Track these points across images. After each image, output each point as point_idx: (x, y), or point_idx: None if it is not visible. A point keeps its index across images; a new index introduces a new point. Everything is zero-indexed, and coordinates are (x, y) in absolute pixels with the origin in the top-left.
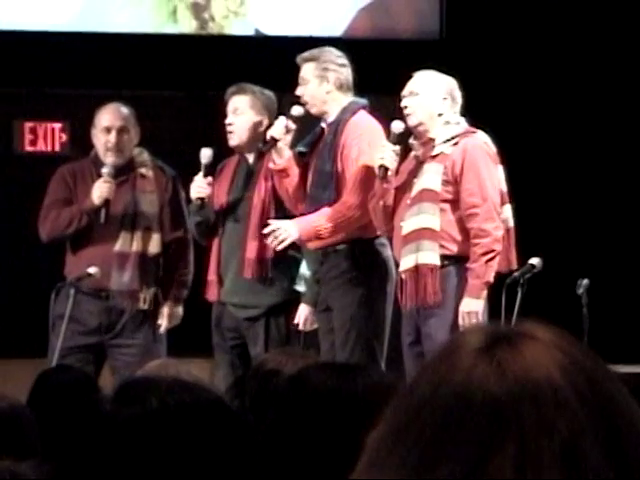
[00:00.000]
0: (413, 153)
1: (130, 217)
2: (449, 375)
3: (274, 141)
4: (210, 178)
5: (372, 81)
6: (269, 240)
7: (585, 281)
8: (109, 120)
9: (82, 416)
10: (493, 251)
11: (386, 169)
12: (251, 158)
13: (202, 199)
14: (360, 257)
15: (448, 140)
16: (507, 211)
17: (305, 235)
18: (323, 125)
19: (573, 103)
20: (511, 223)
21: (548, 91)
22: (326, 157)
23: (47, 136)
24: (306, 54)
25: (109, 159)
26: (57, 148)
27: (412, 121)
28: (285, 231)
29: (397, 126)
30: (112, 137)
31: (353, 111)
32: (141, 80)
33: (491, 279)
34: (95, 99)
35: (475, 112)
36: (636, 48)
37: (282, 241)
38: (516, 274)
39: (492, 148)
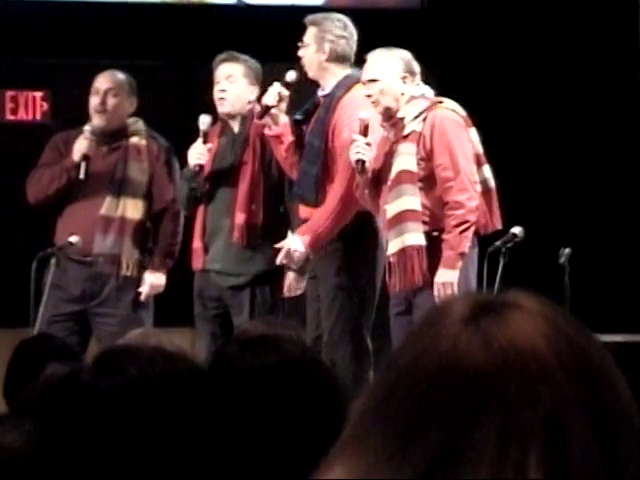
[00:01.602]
0: (385, 134)
1: (117, 183)
2: (434, 344)
3: (267, 108)
4: (210, 145)
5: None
6: (280, 261)
7: (567, 250)
8: (99, 82)
9: (62, 385)
10: (467, 222)
11: (363, 162)
12: (236, 126)
13: (201, 166)
14: (347, 227)
15: (416, 117)
16: (486, 172)
17: (311, 244)
18: (320, 94)
19: (555, 73)
20: (492, 183)
21: (531, 58)
22: (317, 132)
23: (28, 105)
24: (311, 17)
25: (94, 121)
26: (38, 117)
27: (379, 108)
28: (294, 251)
29: (363, 116)
30: (97, 98)
31: (347, 86)
32: (122, 49)
33: (466, 250)
34: (76, 68)
35: (456, 81)
36: (609, 18)
37: (295, 260)
38: (498, 243)
39: (461, 113)
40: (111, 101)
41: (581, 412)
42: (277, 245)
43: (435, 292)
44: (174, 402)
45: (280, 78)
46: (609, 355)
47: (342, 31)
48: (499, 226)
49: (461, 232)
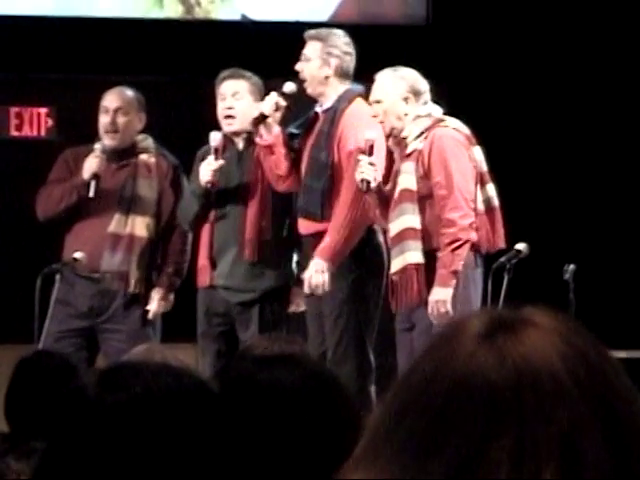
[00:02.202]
0: (394, 154)
1: (127, 200)
2: (449, 361)
3: (263, 117)
4: (222, 161)
5: (358, 67)
6: (310, 288)
7: (572, 266)
8: (108, 100)
9: (63, 402)
10: (459, 240)
11: (368, 182)
12: (240, 143)
13: (213, 183)
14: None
15: (418, 136)
16: (490, 190)
17: (331, 260)
18: (317, 110)
19: (561, 88)
20: (495, 202)
21: (536, 75)
22: (322, 146)
23: (33, 121)
24: (314, 32)
25: (105, 141)
26: (43, 133)
27: (385, 128)
28: (320, 273)
29: (369, 136)
30: (108, 117)
31: (349, 100)
32: (126, 65)
33: (459, 267)
34: (81, 84)
35: (462, 97)
36: (614, 34)
37: (322, 283)
38: (502, 259)
39: (464, 132)
40: (121, 120)
41: (596, 431)
42: (306, 288)
43: (429, 310)
44: (179, 419)
45: (278, 88)
46: (624, 371)
47: (348, 47)
48: (502, 245)
49: (453, 250)
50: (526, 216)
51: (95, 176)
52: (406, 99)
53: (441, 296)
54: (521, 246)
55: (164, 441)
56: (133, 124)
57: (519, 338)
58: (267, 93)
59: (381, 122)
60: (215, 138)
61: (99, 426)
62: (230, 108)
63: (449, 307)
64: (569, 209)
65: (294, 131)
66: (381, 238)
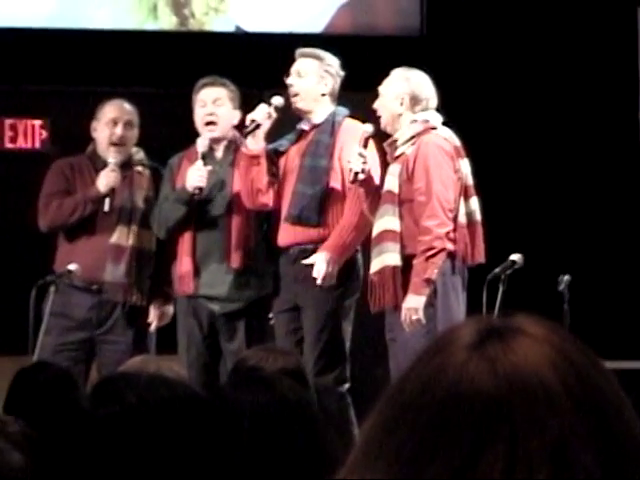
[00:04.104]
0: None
1: (127, 212)
2: (440, 371)
3: (257, 125)
4: (210, 167)
5: (352, 78)
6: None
7: (566, 277)
8: (116, 112)
9: (61, 413)
10: (433, 248)
11: (356, 173)
12: (219, 150)
13: (201, 189)
14: None
15: (408, 140)
16: (473, 204)
17: (337, 254)
18: (304, 127)
19: (556, 100)
20: (477, 217)
21: (530, 86)
22: (321, 154)
23: (27, 133)
24: (310, 50)
25: (112, 153)
26: (37, 145)
27: (381, 123)
28: (328, 264)
29: (366, 129)
30: (119, 129)
31: (343, 115)
32: (121, 77)
33: (432, 276)
34: (75, 96)
35: (455, 108)
36: (606, 44)
37: (330, 274)
38: (497, 270)
39: (454, 143)
40: (129, 134)
41: (587, 440)
42: (306, 261)
43: (402, 317)
44: (173, 429)
45: (266, 100)
46: (616, 380)
47: (340, 70)
48: (481, 260)
49: (427, 258)
50: (521, 227)
51: (112, 191)
52: (401, 100)
53: (413, 304)
54: (516, 257)
55: (157, 451)
56: (135, 138)
57: (510, 347)
58: (257, 103)
59: (379, 116)
60: (203, 143)
61: (93, 436)
62: (212, 114)
63: (421, 315)
64: (563, 220)
65: (278, 147)
66: (361, 258)
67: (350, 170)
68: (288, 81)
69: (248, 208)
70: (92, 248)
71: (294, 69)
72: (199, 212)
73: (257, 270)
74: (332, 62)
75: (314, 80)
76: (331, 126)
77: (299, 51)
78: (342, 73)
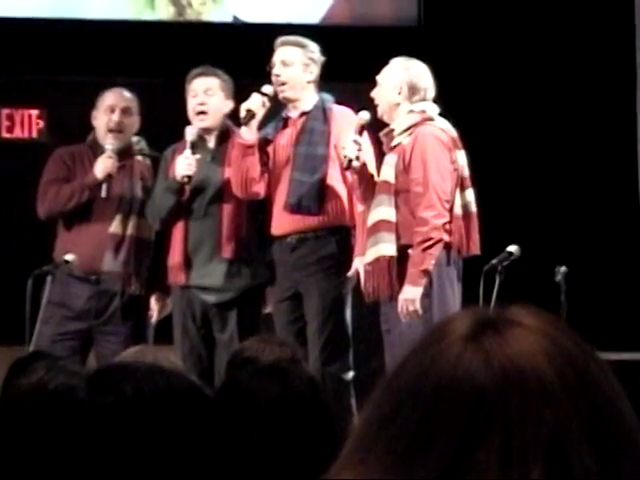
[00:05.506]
0: (383, 145)
1: (127, 201)
2: (435, 363)
3: (252, 114)
4: (199, 155)
5: (350, 68)
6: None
7: (563, 268)
8: (113, 99)
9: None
10: (431, 239)
11: (350, 159)
12: (211, 140)
13: (190, 177)
14: (340, 243)
15: (405, 130)
16: (469, 196)
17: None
18: (291, 114)
19: (554, 91)
20: (473, 208)
21: (528, 77)
22: (317, 142)
23: (24, 123)
24: (292, 38)
25: (109, 140)
26: (34, 135)
27: (378, 112)
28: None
29: (362, 116)
30: (115, 116)
31: (331, 101)
32: (118, 67)
33: (429, 267)
34: (72, 86)
35: (452, 100)
36: (605, 38)
37: None
38: (494, 261)
39: (450, 134)
40: (127, 121)
41: (582, 431)
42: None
43: (399, 309)
44: (170, 420)
45: (257, 89)
46: (611, 371)
47: (320, 56)
48: (476, 251)
49: (424, 249)
50: (517, 218)
51: (109, 177)
52: (399, 90)
53: (410, 295)
54: (513, 248)
55: (154, 442)
56: (134, 125)
57: (505, 339)
58: (249, 93)
59: (377, 105)
60: (191, 132)
61: (89, 427)
62: (203, 104)
63: (418, 306)
64: (560, 211)
65: (266, 136)
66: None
67: (345, 157)
68: (274, 71)
69: (240, 197)
70: (91, 237)
71: (278, 58)
72: (191, 202)
73: (249, 260)
74: (314, 49)
75: (300, 68)
76: (322, 113)
77: (280, 40)
78: (323, 59)
